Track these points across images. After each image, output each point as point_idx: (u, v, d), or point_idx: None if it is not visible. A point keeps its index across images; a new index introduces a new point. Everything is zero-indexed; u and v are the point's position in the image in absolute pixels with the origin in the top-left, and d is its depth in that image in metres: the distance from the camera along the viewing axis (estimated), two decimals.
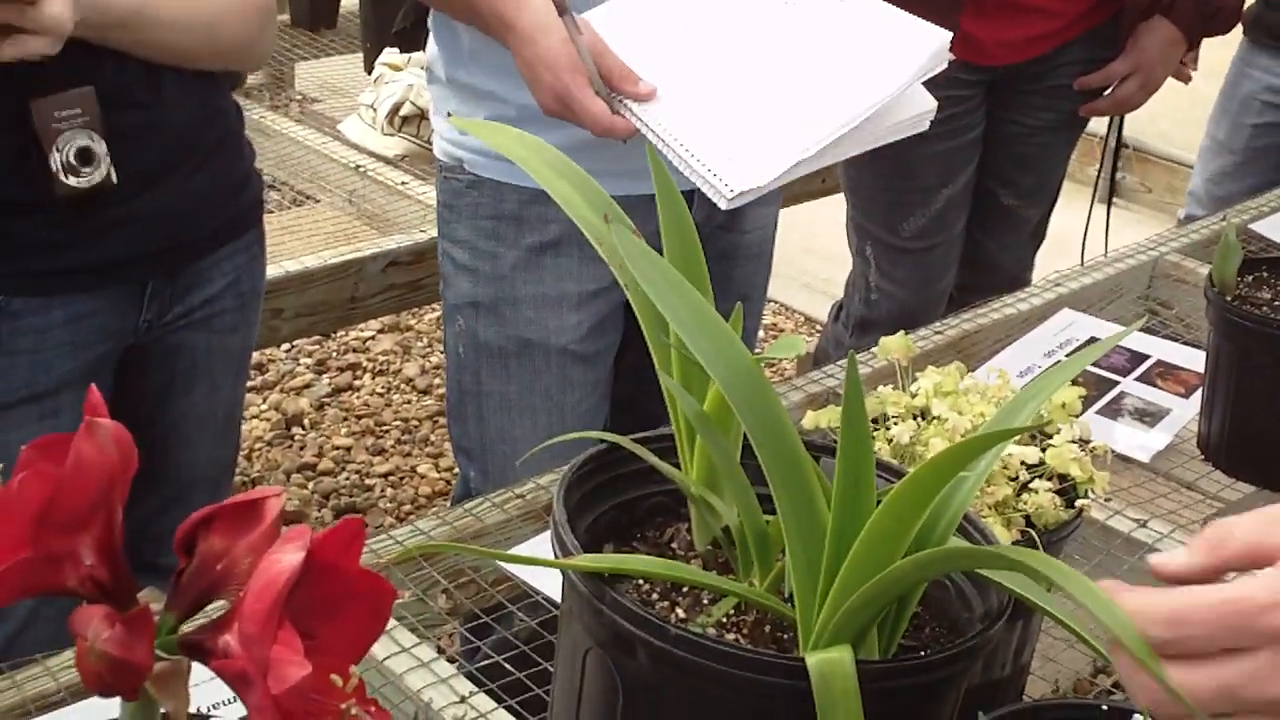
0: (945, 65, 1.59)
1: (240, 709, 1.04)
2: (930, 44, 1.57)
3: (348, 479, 3.36)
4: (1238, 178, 2.91)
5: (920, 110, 1.59)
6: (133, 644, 0.71)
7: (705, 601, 0.99)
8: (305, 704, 0.70)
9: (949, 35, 1.57)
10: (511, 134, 1.12)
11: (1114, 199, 2.88)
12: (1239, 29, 3.01)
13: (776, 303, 4.11)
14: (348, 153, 2.97)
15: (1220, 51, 3.05)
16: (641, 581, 1.00)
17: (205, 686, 0.92)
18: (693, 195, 1.81)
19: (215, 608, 0.76)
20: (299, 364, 3.78)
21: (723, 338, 0.91)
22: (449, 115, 1.85)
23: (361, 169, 2.87)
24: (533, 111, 1.71)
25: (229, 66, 1.77)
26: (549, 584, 1.34)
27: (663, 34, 1.61)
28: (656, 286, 0.91)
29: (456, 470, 3.37)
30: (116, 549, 0.74)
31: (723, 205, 1.50)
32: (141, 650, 0.71)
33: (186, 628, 0.76)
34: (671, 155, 1.52)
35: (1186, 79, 3.08)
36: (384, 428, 3.56)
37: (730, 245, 1.95)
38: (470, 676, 1.24)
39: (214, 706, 1.07)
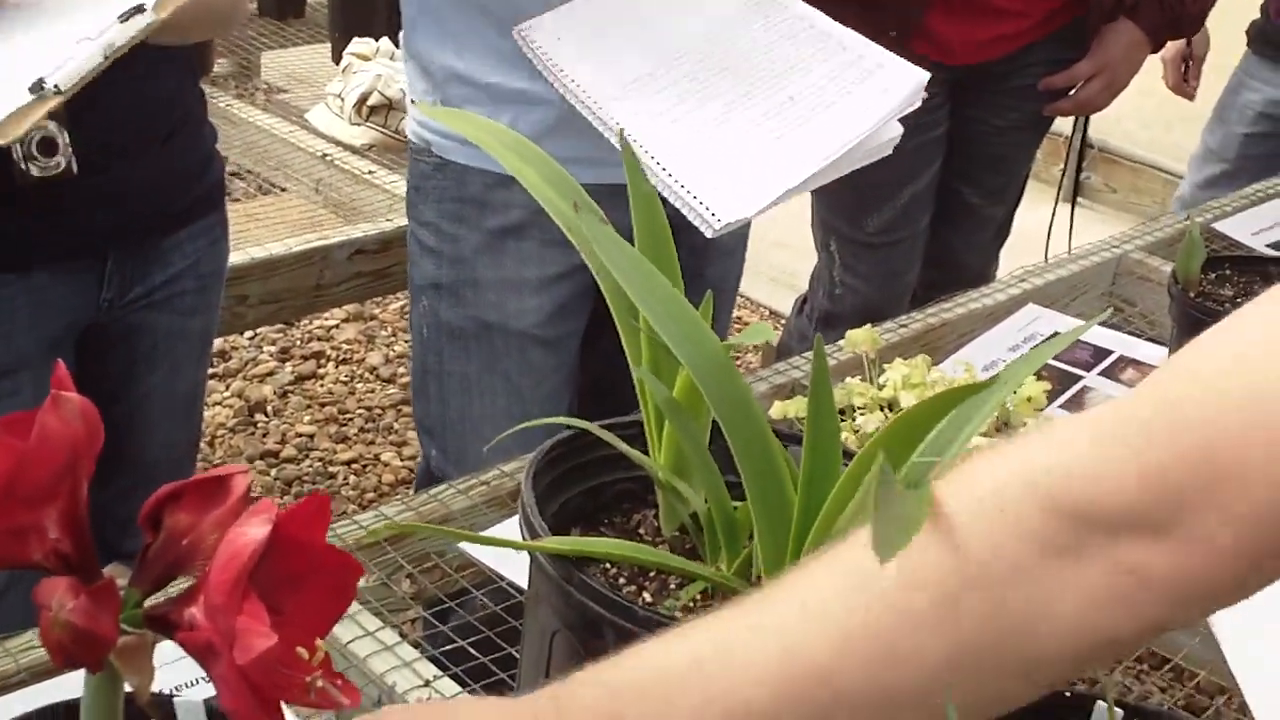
0: (919, 103, 1.61)
1: (205, 690, 1.04)
2: (909, 83, 1.59)
3: (311, 466, 3.35)
4: (1226, 185, 2.93)
5: (887, 137, 1.61)
6: (98, 615, 0.71)
7: (673, 586, 1.00)
8: (272, 676, 0.70)
9: (926, 76, 1.59)
10: (477, 120, 1.13)
11: (1078, 199, 2.90)
12: (1241, 40, 3.06)
13: (741, 295, 4.11)
14: (314, 141, 2.96)
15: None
16: (609, 565, 1.00)
17: (171, 667, 0.92)
18: None
19: (180, 585, 0.76)
20: (262, 351, 3.77)
21: (692, 325, 0.91)
22: (413, 102, 1.86)
23: (328, 158, 2.86)
24: (504, 93, 1.72)
25: (207, 36, 1.77)
26: (514, 569, 1.34)
27: (648, 61, 1.61)
28: (626, 274, 0.92)
29: (420, 459, 3.38)
30: (82, 523, 0.74)
31: (709, 234, 1.51)
32: (106, 622, 0.71)
33: (151, 604, 0.76)
34: (657, 181, 1.52)
35: (1191, 96, 3.12)
36: (347, 416, 3.55)
37: (703, 242, 1.95)
38: (434, 661, 1.24)
39: (176, 689, 1.07)
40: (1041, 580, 0.73)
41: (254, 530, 0.70)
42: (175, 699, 0.95)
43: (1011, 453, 0.75)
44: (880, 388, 1.37)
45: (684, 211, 1.51)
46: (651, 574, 1.00)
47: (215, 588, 0.70)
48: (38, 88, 1.36)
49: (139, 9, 1.39)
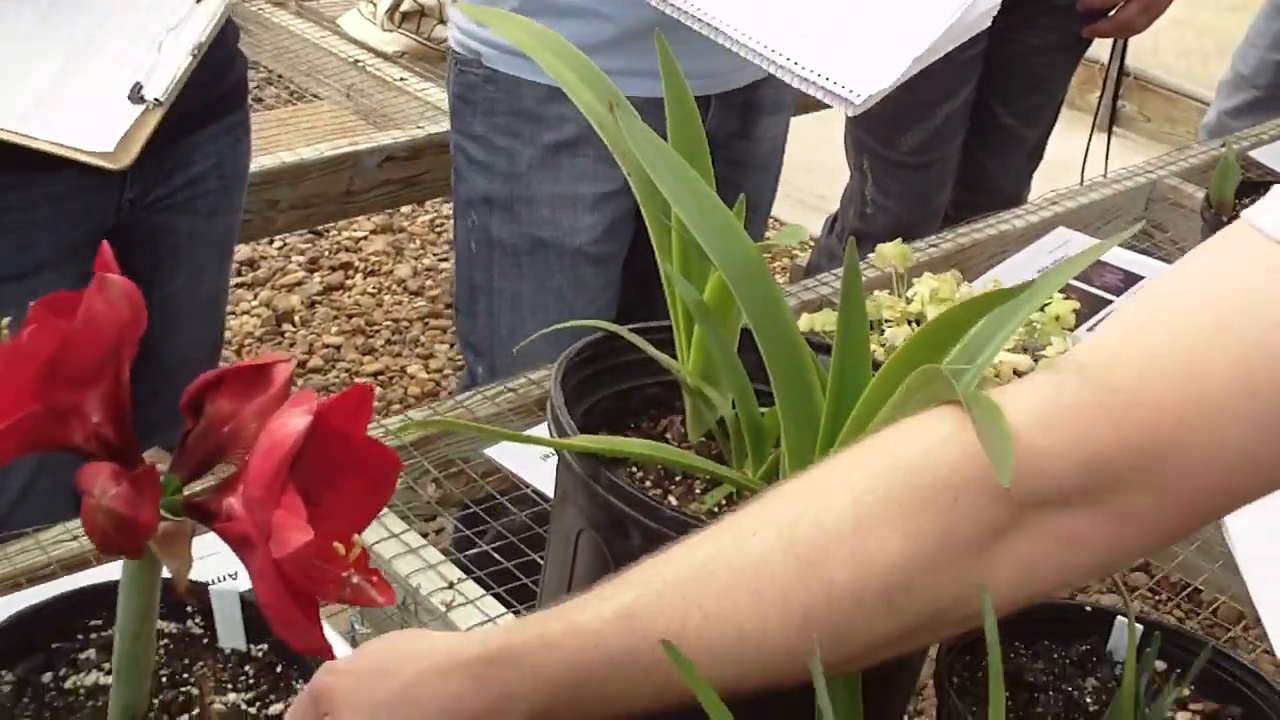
0: None
1: (244, 584, 1.05)
2: None
3: (337, 377, 3.36)
4: (1256, 113, 2.89)
5: (985, 7, 1.59)
6: (139, 502, 0.71)
7: (698, 491, 1.00)
8: (306, 571, 0.70)
9: None
10: (523, 24, 1.12)
11: (1113, 126, 2.87)
12: None
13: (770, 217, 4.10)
14: (346, 47, 2.94)
15: None
16: (635, 469, 1.01)
17: (212, 560, 0.93)
18: (708, 102, 1.80)
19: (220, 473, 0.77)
20: (290, 261, 3.77)
21: (725, 224, 0.91)
22: (456, 1, 1.83)
23: (360, 64, 2.85)
24: (552, 5, 1.70)
25: None
26: (538, 477, 1.35)
27: None
28: (659, 170, 0.91)
29: (446, 372, 3.39)
30: (123, 408, 0.74)
31: (851, 112, 1.48)
32: (147, 509, 0.72)
33: (191, 492, 0.77)
34: (785, 74, 1.49)
35: None
36: (374, 328, 3.56)
37: (742, 154, 1.94)
38: (459, 564, 1.25)
39: (217, 579, 1.08)
40: (984, 557, 0.78)
41: (295, 421, 0.70)
42: (211, 588, 0.96)
43: (959, 436, 0.77)
44: (909, 302, 1.37)
45: (821, 97, 1.48)
46: (677, 478, 1.01)
47: (254, 479, 0.70)
48: (138, 97, 1.38)
49: None
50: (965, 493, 0.76)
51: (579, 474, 0.93)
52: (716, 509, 0.98)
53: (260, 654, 0.95)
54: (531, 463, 1.36)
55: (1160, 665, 1.00)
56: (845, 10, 1.55)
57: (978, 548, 0.77)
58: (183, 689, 0.91)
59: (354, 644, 1.18)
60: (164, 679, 0.91)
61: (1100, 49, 2.86)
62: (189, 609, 0.97)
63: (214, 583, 1.00)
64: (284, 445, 0.70)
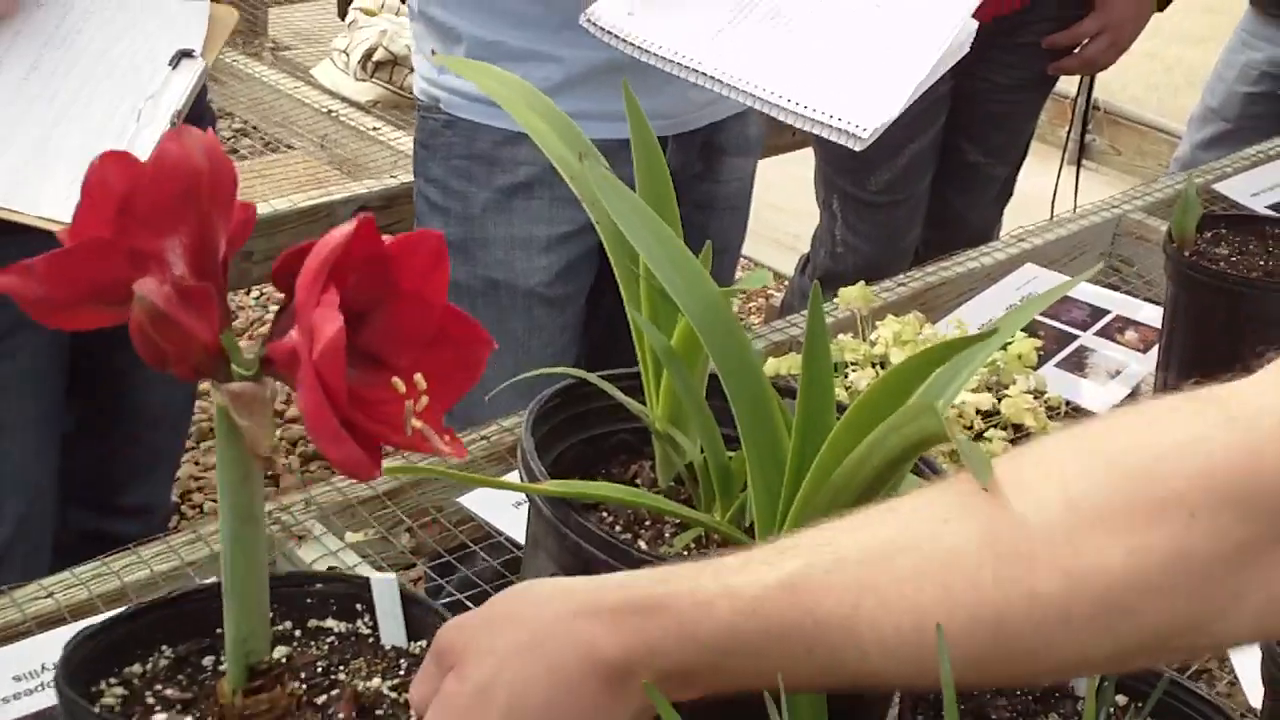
0: None
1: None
2: None
3: None
4: (1227, 145, 2.90)
5: (967, 34, 1.61)
6: (183, 307, 0.71)
7: (667, 535, 1.01)
8: (340, 368, 0.69)
9: None
10: (492, 72, 1.13)
11: (1083, 161, 2.89)
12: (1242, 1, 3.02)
13: (744, 257, 4.10)
14: (320, 97, 2.95)
15: (1204, 18, 3.05)
16: (605, 515, 1.02)
17: None
18: (667, 142, 1.82)
19: None
20: (268, 311, 3.78)
21: (692, 271, 0.92)
22: (433, 53, 1.85)
23: (333, 114, 2.86)
24: (505, 49, 1.72)
25: None
26: (511, 524, 1.35)
27: (725, 9, 1.59)
28: (627, 219, 0.93)
29: None
30: (211, 264, 0.74)
31: (857, 147, 1.47)
32: (190, 317, 0.72)
33: None
34: (787, 115, 1.49)
35: None
36: None
37: (707, 195, 1.95)
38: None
39: None
40: (1226, 583, 0.69)
41: (339, 231, 0.71)
42: (372, 577, 0.96)
43: (1199, 444, 0.69)
44: (872, 344, 1.38)
45: (826, 135, 1.47)
46: (647, 523, 1.02)
47: (300, 287, 0.70)
48: None
49: (188, 53, 1.41)
50: (1204, 508, 0.67)
51: (549, 519, 0.94)
52: (686, 551, 0.99)
53: (418, 650, 0.93)
54: (504, 510, 1.37)
55: (1121, 700, 1.01)
56: (837, 46, 1.55)
57: (1219, 572, 0.68)
58: (333, 676, 0.90)
59: None
60: (319, 669, 0.90)
61: (1070, 83, 2.87)
62: (359, 608, 0.96)
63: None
64: (324, 249, 0.70)
